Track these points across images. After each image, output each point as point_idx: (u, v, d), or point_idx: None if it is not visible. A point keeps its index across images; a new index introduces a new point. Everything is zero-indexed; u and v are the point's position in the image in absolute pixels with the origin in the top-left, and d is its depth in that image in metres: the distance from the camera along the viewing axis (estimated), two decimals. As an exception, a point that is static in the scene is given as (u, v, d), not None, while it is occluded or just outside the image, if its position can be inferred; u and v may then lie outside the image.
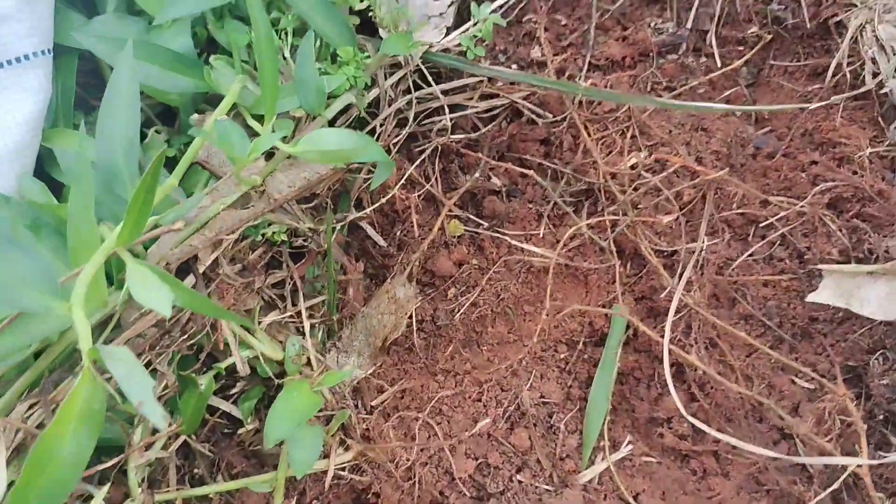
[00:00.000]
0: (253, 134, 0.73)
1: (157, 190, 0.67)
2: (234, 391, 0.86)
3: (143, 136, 0.85)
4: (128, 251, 0.59)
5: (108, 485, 0.69)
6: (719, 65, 0.99)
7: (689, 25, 0.99)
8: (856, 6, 0.91)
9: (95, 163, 0.67)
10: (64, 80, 0.83)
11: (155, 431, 0.76)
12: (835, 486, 0.78)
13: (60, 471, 0.52)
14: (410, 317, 0.91)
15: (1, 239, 0.54)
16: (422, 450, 0.87)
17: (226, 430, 0.87)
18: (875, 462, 0.71)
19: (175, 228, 0.62)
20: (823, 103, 0.92)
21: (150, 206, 0.56)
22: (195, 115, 0.79)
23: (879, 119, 0.93)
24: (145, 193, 0.55)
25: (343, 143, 0.65)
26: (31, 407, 0.67)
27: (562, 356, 0.92)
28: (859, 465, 0.73)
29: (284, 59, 0.84)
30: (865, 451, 0.71)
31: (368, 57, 0.86)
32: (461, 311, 0.91)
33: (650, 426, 0.90)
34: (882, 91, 0.90)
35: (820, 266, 0.82)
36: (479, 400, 0.90)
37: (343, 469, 0.85)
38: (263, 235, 0.79)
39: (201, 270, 0.70)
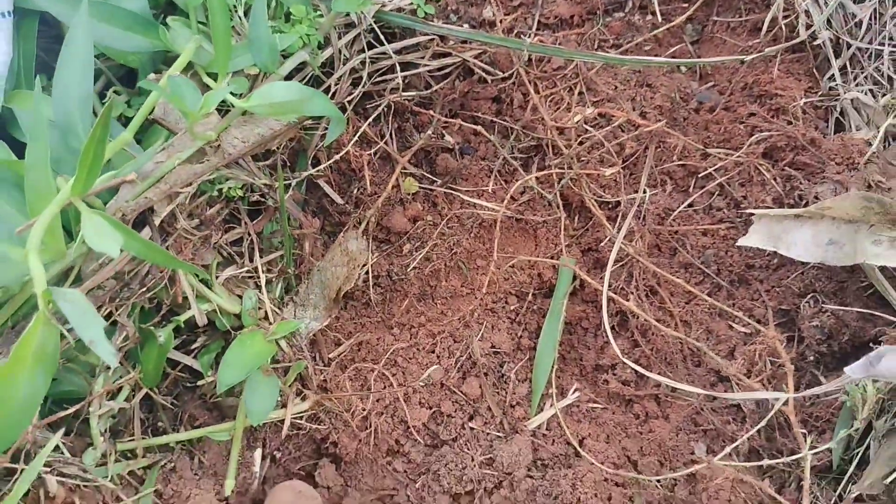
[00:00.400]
0: (209, 91, 0.75)
1: (113, 144, 0.70)
2: (194, 346, 0.89)
3: (103, 98, 0.87)
4: (83, 202, 0.61)
5: (65, 430, 0.71)
6: (662, 21, 1.02)
7: (634, -16, 1.02)
8: (791, -38, 0.95)
9: (53, 119, 0.69)
10: (25, 42, 0.84)
11: (117, 387, 0.79)
12: (763, 423, 0.83)
13: (15, 410, 0.55)
14: (367, 272, 0.94)
15: (-42, 189, 0.56)
16: (377, 400, 0.91)
17: (187, 384, 0.90)
18: (797, 395, 0.75)
19: (129, 180, 0.64)
20: (759, 55, 0.95)
21: (102, 157, 0.59)
22: (152, 75, 0.81)
23: (814, 70, 0.97)
24: (97, 143, 0.57)
25: (293, 96, 0.68)
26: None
27: (512, 308, 0.96)
28: (785, 404, 0.77)
29: (239, 18, 0.86)
30: (791, 387, 0.76)
31: (322, 16, 0.88)
32: (416, 265, 0.95)
33: (596, 373, 0.94)
34: (816, 43, 0.94)
35: (750, 211, 0.86)
36: (433, 351, 0.94)
37: (301, 419, 0.88)
38: (220, 191, 0.82)
39: (157, 223, 0.72)
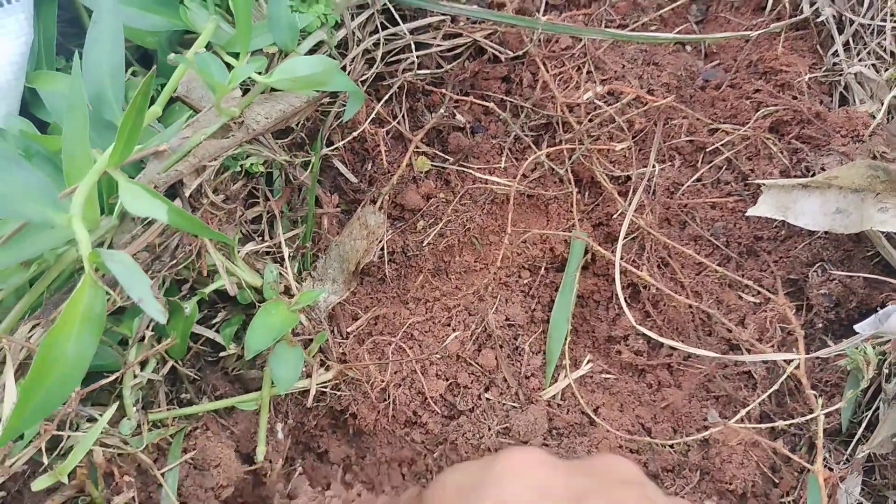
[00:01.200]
0: (229, 69, 0.77)
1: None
2: (215, 321, 0.91)
3: (121, 79, 0.89)
4: (120, 171, 0.63)
5: (113, 405, 0.74)
6: (666, 1, 1.05)
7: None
8: (794, -59, 0.97)
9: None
10: (45, 24, 0.86)
11: (145, 359, 0.81)
12: (775, 386, 0.85)
13: (65, 369, 0.57)
14: (382, 248, 0.96)
15: (3, 159, 0.58)
16: (395, 372, 0.93)
17: (209, 358, 0.92)
18: (808, 356, 0.77)
19: (161, 149, 0.66)
20: (763, 31, 0.98)
21: (140, 127, 0.61)
22: (172, 55, 0.82)
23: (818, 47, 0.99)
24: (136, 114, 0.59)
25: (315, 69, 0.70)
26: (32, 328, 0.71)
27: (525, 281, 0.98)
28: (797, 368, 0.79)
29: (257, 0, 0.88)
30: (802, 349, 0.78)
31: (337, -2, 0.90)
32: (429, 241, 0.97)
33: (608, 344, 0.96)
34: (819, 20, 0.96)
35: (759, 181, 0.89)
36: (448, 325, 0.96)
37: (324, 391, 0.90)
38: (242, 167, 0.84)
39: (187, 194, 0.74)
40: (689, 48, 1.04)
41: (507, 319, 0.96)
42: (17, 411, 0.56)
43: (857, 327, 0.70)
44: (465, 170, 0.98)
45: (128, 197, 0.59)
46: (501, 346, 0.95)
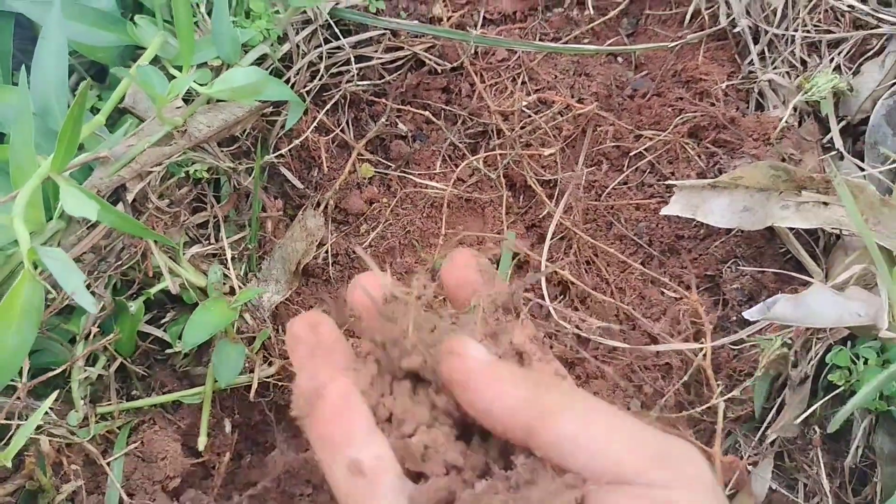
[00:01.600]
0: (175, 79, 0.82)
1: (87, 127, 0.77)
2: (163, 321, 0.95)
3: (76, 93, 0.93)
4: (61, 177, 0.68)
5: (56, 393, 0.78)
6: (597, 16, 1.11)
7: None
8: (711, -44, 1.03)
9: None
10: (1, 40, 0.90)
11: (94, 357, 0.86)
12: (686, 376, 0.91)
13: (6, 357, 0.62)
14: (327, 251, 1.01)
15: (-52, 164, 0.63)
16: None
17: (158, 356, 0.96)
18: (713, 344, 0.83)
19: (102, 156, 0.71)
20: (682, 41, 1.04)
21: (79, 134, 0.65)
22: (115, 68, 0.88)
23: (736, 57, 1.06)
24: (74, 121, 0.64)
25: (252, 79, 0.75)
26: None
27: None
28: (703, 358, 0.85)
29: (202, 16, 0.93)
30: (708, 339, 0.83)
31: (279, 12, 0.95)
32: (372, 243, 1.02)
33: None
34: (736, 30, 1.02)
35: (671, 182, 0.94)
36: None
37: (267, 388, 0.95)
38: (187, 174, 0.89)
39: (130, 199, 0.79)
40: (620, 59, 1.10)
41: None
42: (-40, 397, 0.61)
43: (746, 314, 0.76)
44: (407, 175, 1.04)
45: (67, 198, 0.64)
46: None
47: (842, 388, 0.85)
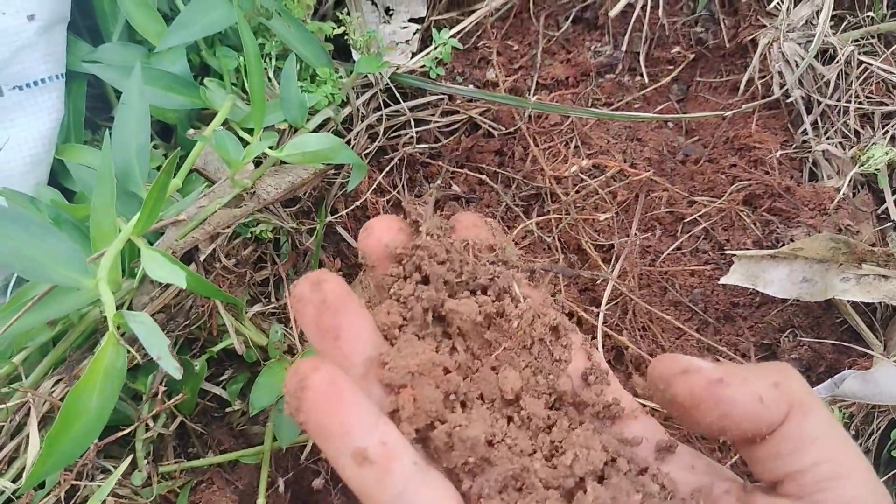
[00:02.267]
0: (244, 144, 0.84)
1: (164, 189, 0.78)
2: (223, 378, 0.96)
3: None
4: (142, 239, 0.70)
5: (127, 459, 0.78)
6: (648, 82, 1.13)
7: (623, 48, 1.13)
8: (765, 27, 1.05)
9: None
10: (75, 101, 0.93)
11: (156, 414, 0.87)
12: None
13: (88, 421, 0.62)
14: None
15: (36, 226, 0.64)
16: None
17: (216, 414, 0.97)
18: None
19: (180, 219, 0.73)
20: (738, 111, 1.05)
21: (164, 199, 0.67)
22: (191, 130, 0.90)
23: (789, 126, 1.07)
24: (160, 189, 0.66)
25: (322, 145, 0.77)
26: (55, 384, 0.77)
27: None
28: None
29: (269, 80, 0.96)
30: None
31: (343, 77, 0.98)
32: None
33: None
34: (789, 100, 1.04)
35: (731, 252, 0.95)
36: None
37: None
38: (253, 234, 0.90)
39: (202, 259, 0.80)
40: (670, 125, 1.12)
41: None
42: (42, 459, 0.61)
43: (814, 389, 0.76)
44: (460, 237, 1.05)
45: (150, 264, 0.66)
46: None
47: (905, 463, 0.84)
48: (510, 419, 0.47)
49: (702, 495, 0.44)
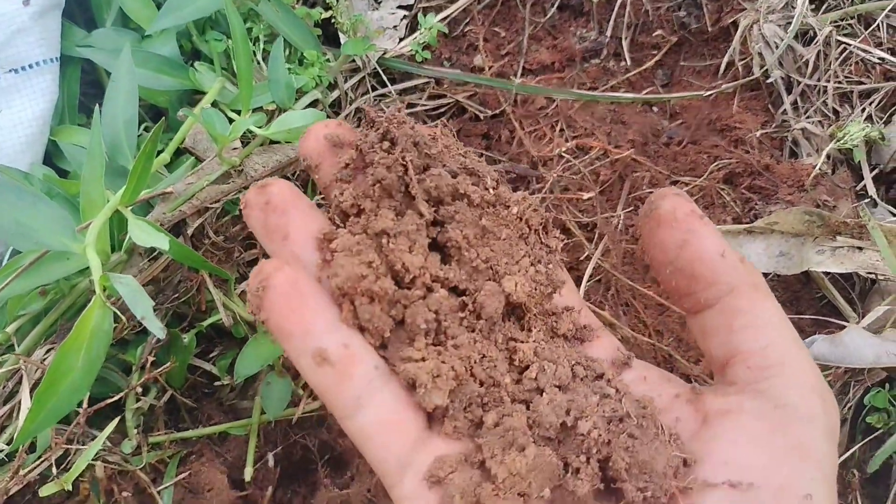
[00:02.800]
0: (235, 121, 0.87)
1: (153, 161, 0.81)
2: (213, 355, 0.98)
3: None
4: (128, 209, 0.72)
5: (115, 421, 0.81)
6: (633, 66, 1.15)
7: (608, 34, 1.15)
8: (746, 9, 1.07)
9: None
10: (69, 85, 0.96)
11: (145, 387, 0.89)
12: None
13: (76, 378, 0.65)
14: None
15: (29, 195, 0.67)
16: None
17: (206, 390, 0.99)
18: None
19: (168, 192, 0.75)
20: (717, 90, 1.07)
21: (149, 171, 0.70)
22: (181, 110, 0.92)
23: (769, 106, 1.09)
24: (146, 158, 0.68)
25: (306, 121, 0.79)
26: (47, 352, 0.80)
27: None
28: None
29: (258, 63, 0.98)
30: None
31: (330, 61, 1.00)
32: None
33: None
34: (769, 81, 1.06)
35: (710, 227, 0.97)
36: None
37: (311, 422, 0.97)
38: (241, 212, 0.93)
39: (189, 233, 0.83)
40: (655, 109, 1.14)
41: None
42: (32, 415, 0.64)
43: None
44: (448, 218, 1.07)
45: (135, 230, 0.68)
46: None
47: (880, 430, 0.85)
48: (472, 329, 0.47)
49: (653, 401, 0.46)
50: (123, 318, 0.73)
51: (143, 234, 0.67)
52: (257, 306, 0.43)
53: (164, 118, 0.74)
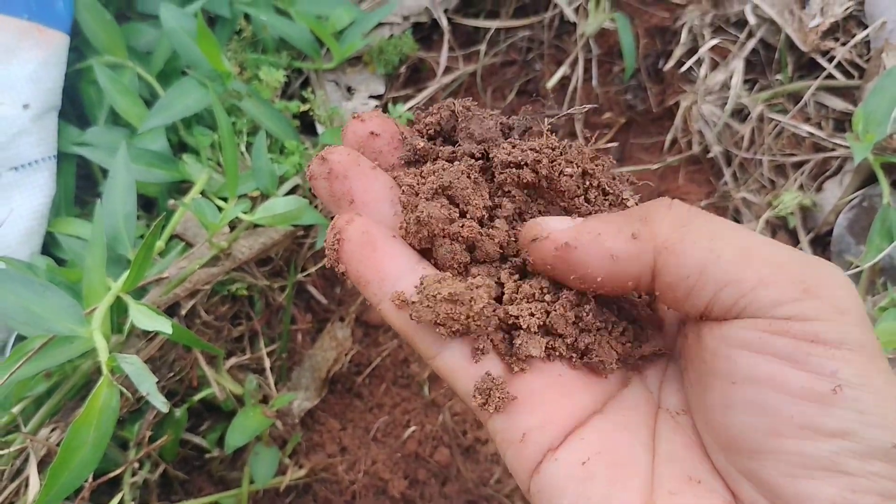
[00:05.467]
0: (220, 210, 0.94)
1: (148, 252, 0.88)
2: (202, 429, 1.04)
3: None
4: (129, 296, 0.79)
5: (119, 495, 0.86)
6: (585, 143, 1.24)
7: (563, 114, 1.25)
8: (686, 91, 1.18)
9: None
10: (65, 179, 1.03)
11: (142, 464, 0.94)
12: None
13: (86, 452, 0.70)
14: (351, 360, 1.11)
15: (38, 285, 0.73)
16: (364, 472, 1.05)
17: (196, 463, 1.04)
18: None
19: (163, 277, 0.82)
20: (662, 164, 1.17)
21: (150, 261, 0.77)
22: (171, 200, 1.00)
23: (711, 178, 1.18)
24: (146, 250, 0.75)
25: (289, 207, 0.87)
26: (52, 431, 0.85)
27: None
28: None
29: (242, 153, 1.06)
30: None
31: (308, 149, 1.08)
32: (390, 354, 1.12)
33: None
34: (710, 155, 1.16)
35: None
36: (408, 426, 1.10)
37: (296, 487, 1.03)
38: (229, 291, 1.00)
39: (183, 314, 0.89)
40: (609, 182, 1.23)
41: (454, 414, 1.10)
42: (46, 489, 0.69)
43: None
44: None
45: (138, 315, 0.75)
46: (457, 444, 1.08)
47: None
48: None
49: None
50: (129, 394, 0.79)
51: (146, 318, 0.73)
52: (335, 259, 0.45)
53: (164, 214, 0.81)
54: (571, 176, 0.49)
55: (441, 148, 0.51)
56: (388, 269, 0.44)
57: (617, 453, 0.42)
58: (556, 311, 0.45)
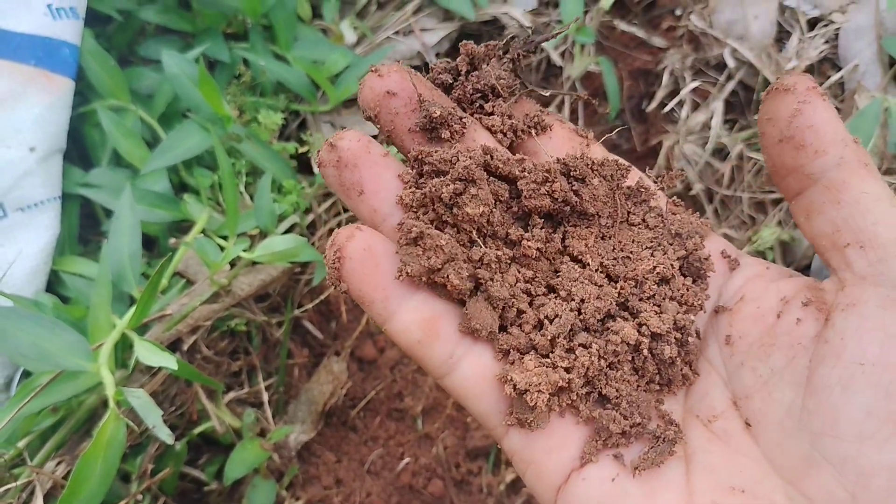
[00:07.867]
0: (220, 249, 0.98)
1: (152, 290, 0.91)
2: (200, 462, 1.06)
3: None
4: (133, 332, 0.82)
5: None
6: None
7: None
8: (668, 132, 1.23)
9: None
10: (69, 219, 1.06)
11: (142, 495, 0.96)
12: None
13: (94, 484, 0.73)
14: (346, 394, 1.14)
15: (47, 322, 0.76)
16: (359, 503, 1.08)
17: (195, 496, 1.06)
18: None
19: (166, 314, 0.85)
20: (645, 207, 1.21)
21: (155, 298, 0.80)
22: (173, 239, 1.03)
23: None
24: (152, 289, 0.79)
25: (288, 245, 0.90)
26: (57, 464, 0.87)
27: (469, 417, 1.15)
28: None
29: (241, 193, 1.10)
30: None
31: (304, 188, 1.12)
32: (384, 387, 1.15)
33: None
34: (691, 193, 1.20)
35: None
36: (402, 458, 1.12)
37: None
38: (229, 327, 1.03)
39: (185, 349, 0.92)
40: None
41: (445, 447, 1.12)
42: (55, 521, 0.72)
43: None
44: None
45: (143, 351, 0.78)
46: (451, 477, 1.10)
47: None
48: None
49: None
50: (134, 426, 0.81)
51: (151, 354, 0.77)
52: (336, 278, 0.44)
53: (170, 254, 0.84)
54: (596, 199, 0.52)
55: (454, 125, 0.51)
56: (390, 289, 0.44)
57: None
58: (592, 363, 0.47)
